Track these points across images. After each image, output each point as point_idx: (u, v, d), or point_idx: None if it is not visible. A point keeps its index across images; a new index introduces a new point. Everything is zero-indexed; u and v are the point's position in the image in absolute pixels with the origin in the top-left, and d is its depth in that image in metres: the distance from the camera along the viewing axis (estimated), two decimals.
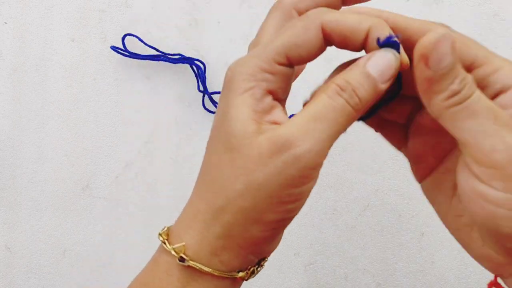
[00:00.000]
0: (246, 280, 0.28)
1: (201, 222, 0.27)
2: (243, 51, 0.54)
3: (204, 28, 0.51)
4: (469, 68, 0.25)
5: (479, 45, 0.27)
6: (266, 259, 0.29)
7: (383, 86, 0.25)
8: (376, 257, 0.52)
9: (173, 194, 0.53)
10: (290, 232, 0.52)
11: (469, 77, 0.23)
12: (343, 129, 0.26)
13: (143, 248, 0.54)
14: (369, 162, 0.51)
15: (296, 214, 0.27)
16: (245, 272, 0.27)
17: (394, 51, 0.24)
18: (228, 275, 0.27)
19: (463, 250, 0.52)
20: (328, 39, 0.26)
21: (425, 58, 0.22)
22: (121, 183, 0.53)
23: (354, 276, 0.52)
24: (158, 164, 0.52)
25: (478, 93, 0.23)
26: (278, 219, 0.26)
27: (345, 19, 0.25)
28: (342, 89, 0.25)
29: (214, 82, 0.51)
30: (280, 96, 0.27)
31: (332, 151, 0.51)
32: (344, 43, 0.25)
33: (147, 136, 0.52)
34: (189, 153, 0.52)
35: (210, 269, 0.26)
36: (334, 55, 0.53)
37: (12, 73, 0.53)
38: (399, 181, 0.51)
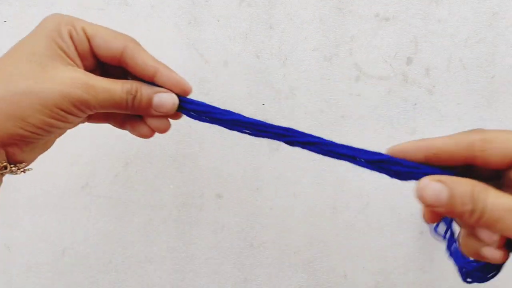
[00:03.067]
0: None
1: None
2: (242, 49, 0.54)
3: (203, 26, 0.51)
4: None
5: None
6: (27, 166, 0.35)
7: (154, 113, 0.36)
8: (375, 255, 0.52)
9: (172, 193, 0.53)
10: (289, 230, 0.52)
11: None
12: (113, 109, 0.35)
13: (142, 247, 0.54)
14: None
15: (57, 132, 0.34)
16: None
17: (176, 102, 0.36)
18: None
19: None
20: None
21: (428, 205, 0.31)
22: (121, 182, 0.53)
23: (353, 275, 0.52)
24: (157, 163, 0.52)
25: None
26: (40, 124, 0.32)
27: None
28: (132, 93, 0.35)
29: (213, 81, 0.51)
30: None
31: None
32: (135, 73, 0.36)
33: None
34: (188, 152, 0.52)
35: None
36: (334, 54, 0.53)
37: None
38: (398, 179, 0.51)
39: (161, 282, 0.54)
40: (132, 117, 0.37)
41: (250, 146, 0.52)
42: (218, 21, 0.51)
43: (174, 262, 0.54)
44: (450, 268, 0.52)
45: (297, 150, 0.52)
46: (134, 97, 0.34)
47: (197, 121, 0.52)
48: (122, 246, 0.54)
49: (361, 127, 0.51)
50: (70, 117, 0.33)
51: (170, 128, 0.37)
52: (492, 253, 0.31)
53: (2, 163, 0.33)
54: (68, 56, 0.34)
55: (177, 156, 0.52)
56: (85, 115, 0.34)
